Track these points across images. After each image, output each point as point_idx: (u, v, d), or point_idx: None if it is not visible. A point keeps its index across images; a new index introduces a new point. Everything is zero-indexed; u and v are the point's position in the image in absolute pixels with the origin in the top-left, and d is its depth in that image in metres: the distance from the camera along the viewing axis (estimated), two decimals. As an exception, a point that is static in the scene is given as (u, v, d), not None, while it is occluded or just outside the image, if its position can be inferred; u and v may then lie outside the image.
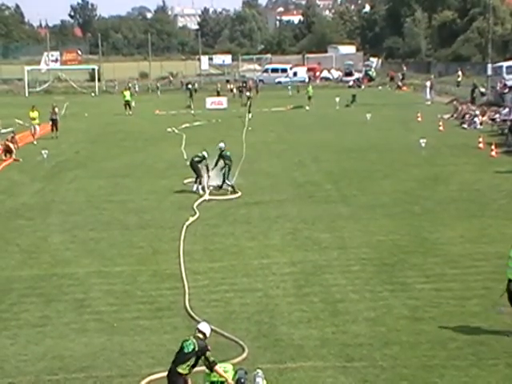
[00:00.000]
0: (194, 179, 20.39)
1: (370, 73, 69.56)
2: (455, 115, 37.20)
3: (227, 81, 67.22)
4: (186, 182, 21.36)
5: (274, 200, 19.18)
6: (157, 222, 17.11)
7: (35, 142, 31.30)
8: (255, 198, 19.46)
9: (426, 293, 11.80)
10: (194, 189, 20.03)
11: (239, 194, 19.66)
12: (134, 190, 21.08)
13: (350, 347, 9.89)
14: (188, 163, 21.12)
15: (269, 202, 18.94)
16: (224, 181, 20.14)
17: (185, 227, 16.20)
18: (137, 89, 63.28)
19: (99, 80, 67.63)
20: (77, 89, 67.26)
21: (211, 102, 48.36)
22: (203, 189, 19.93)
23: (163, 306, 11.69)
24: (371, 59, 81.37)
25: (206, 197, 19.32)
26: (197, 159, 20.21)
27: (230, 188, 19.97)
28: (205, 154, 20.24)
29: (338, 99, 45.78)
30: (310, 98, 47.00)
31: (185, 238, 15.41)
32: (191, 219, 16.94)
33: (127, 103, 44.77)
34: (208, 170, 20.00)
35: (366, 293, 11.95)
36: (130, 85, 59.39)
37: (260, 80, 67.05)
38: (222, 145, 20.59)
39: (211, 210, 18.18)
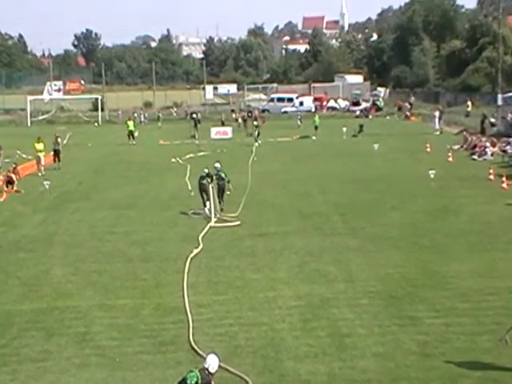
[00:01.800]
0: (203, 204, 21.28)
1: (378, 102, 70.04)
2: (465, 146, 37.38)
3: (232, 110, 67.82)
4: (190, 212, 21.59)
5: (280, 232, 19.25)
6: (160, 253, 17.19)
7: (40, 174, 31.38)
8: (260, 230, 19.55)
9: (436, 328, 11.75)
10: (207, 211, 20.69)
11: (239, 222, 20.14)
12: (137, 222, 21.21)
13: (358, 383, 9.83)
14: (196, 188, 22.04)
15: (274, 234, 19.00)
16: (220, 202, 21.06)
17: (189, 259, 16.28)
18: (142, 118, 63.90)
19: (102, 109, 68.34)
20: (80, 118, 67.92)
21: (216, 132, 49.18)
22: (210, 212, 20.57)
23: (167, 340, 11.67)
24: (379, 89, 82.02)
25: (212, 223, 19.84)
26: (204, 182, 21.11)
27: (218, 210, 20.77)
28: (206, 170, 21.41)
29: (344, 129, 46.22)
30: (316, 127, 47.43)
31: (189, 271, 15.46)
32: (195, 251, 17.02)
33: (131, 133, 45.48)
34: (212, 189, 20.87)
35: (374, 327, 11.90)
36: (135, 114, 60.14)
37: (266, 110, 67.65)
38: (217, 165, 21.66)
39: (215, 242, 18.26)
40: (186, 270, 15.45)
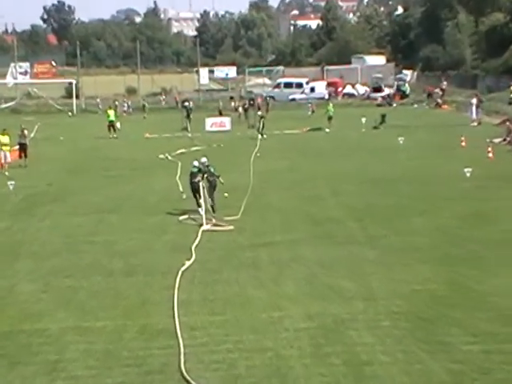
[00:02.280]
0: (197, 205, 21.94)
1: (403, 88, 70.13)
2: (508, 139, 37.35)
3: (231, 98, 68.05)
4: (181, 218, 21.80)
5: (286, 240, 19.31)
6: (147, 266, 17.22)
7: (7, 173, 31.45)
8: (264, 238, 19.59)
9: (473, 355, 11.69)
10: (202, 213, 21.31)
11: (231, 227, 20.63)
12: (119, 229, 21.27)
13: (379, 420, 9.84)
14: (188, 189, 22.66)
15: (280, 243, 19.06)
16: (212, 201, 21.98)
17: (180, 273, 16.31)
18: (125, 108, 64.10)
19: (77, 97, 68.53)
20: (51, 106, 68.01)
21: (212, 124, 49.54)
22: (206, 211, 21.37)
23: (154, 368, 11.61)
24: (404, 72, 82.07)
25: (205, 227, 20.34)
26: (196, 180, 21.78)
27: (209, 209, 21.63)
28: (196, 163, 22.26)
29: (364, 120, 46.33)
30: (330, 118, 47.53)
31: (180, 286, 15.45)
32: (187, 263, 17.08)
33: (111, 124, 45.63)
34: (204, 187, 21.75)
35: (398, 354, 11.86)
36: (117, 103, 60.31)
37: (270, 97, 67.77)
38: (204, 160, 22.49)
39: (211, 252, 18.34)
40: (177, 286, 15.42)
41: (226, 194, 23.40)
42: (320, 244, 18.86)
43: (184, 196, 24.03)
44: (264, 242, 19.24)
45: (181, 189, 25.79)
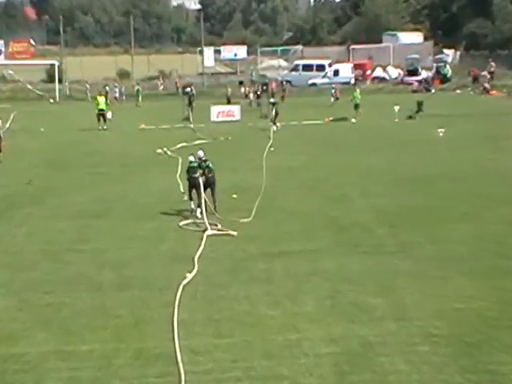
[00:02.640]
0: (192, 205, 22.65)
1: (444, 71, 69.78)
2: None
3: (241, 83, 67.96)
4: (182, 224, 21.83)
5: (306, 250, 19.17)
6: (142, 279, 17.11)
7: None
8: (279, 247, 19.48)
9: (526, 386, 11.52)
10: (199, 214, 22.00)
11: (235, 232, 20.73)
12: (109, 236, 21.19)
13: None
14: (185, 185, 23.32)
15: (298, 253, 18.91)
16: (214, 201, 22.66)
17: (181, 288, 16.20)
18: (117, 94, 63.99)
19: (61, 81, 68.39)
20: (30, 92, 67.95)
21: (218, 113, 49.69)
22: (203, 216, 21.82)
23: (149, 399, 11.49)
24: (445, 51, 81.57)
25: (209, 232, 20.62)
26: (196, 175, 22.50)
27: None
28: (192, 159, 22.85)
29: (397, 108, 46.07)
30: (356, 106, 47.42)
31: (180, 303, 15.30)
32: (189, 276, 16.97)
33: (101, 114, 45.57)
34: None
35: (438, 384, 11.73)
36: (107, 88, 60.27)
37: (287, 81, 67.66)
38: (201, 153, 23.16)
39: (217, 264, 18.21)
40: (177, 303, 15.29)
41: (234, 196, 23.35)
42: (344, 254, 18.69)
43: (185, 197, 23.93)
44: (279, 252, 19.07)
45: (181, 189, 25.78)
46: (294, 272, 17.41)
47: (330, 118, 47.69)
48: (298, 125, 45.42)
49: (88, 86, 66.80)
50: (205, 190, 22.49)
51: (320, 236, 20.58)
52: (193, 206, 22.60)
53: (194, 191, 22.77)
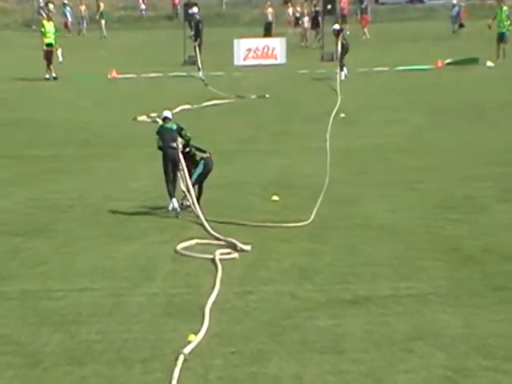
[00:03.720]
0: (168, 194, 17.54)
1: None
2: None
3: (286, 1, 53.17)
4: (180, 247, 15.59)
5: (403, 294, 12.85)
6: (111, 346, 11.58)
7: None
8: (354, 288, 13.36)
9: None
10: (171, 207, 17.27)
11: (246, 247, 15.21)
12: (54, 268, 14.85)
13: None
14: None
15: (389, 300, 12.81)
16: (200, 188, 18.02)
17: (180, 360, 10.98)
18: (69, 17, 52.37)
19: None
20: None
21: (248, 51, 39.33)
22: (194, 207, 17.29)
23: None
24: None
25: (219, 253, 15.36)
26: (173, 144, 17.33)
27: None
28: (169, 113, 18.00)
29: None
30: (502, 37, 35.67)
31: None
32: (195, 340, 11.51)
33: (49, 50, 34.87)
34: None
35: None
36: (51, 6, 47.45)
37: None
38: (167, 113, 18.14)
39: (244, 318, 12.44)
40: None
41: (275, 198, 17.70)
42: (473, 305, 12.59)
43: (188, 202, 17.82)
44: (354, 297, 13.09)
45: (181, 186, 18.52)
46: (383, 334, 11.64)
47: (447, 61, 36.66)
48: (387, 72, 35.77)
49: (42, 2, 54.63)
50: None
51: (427, 271, 14.16)
52: (175, 203, 17.11)
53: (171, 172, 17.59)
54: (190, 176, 17.60)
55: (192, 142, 17.93)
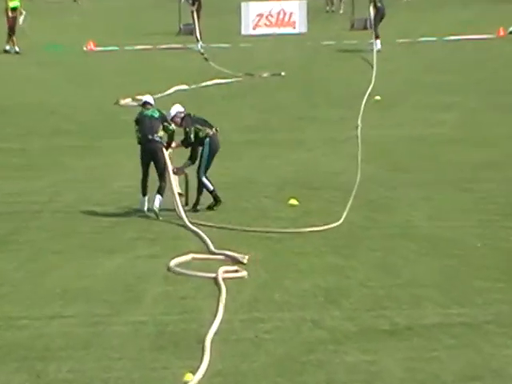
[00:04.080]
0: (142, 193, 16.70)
1: None
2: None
3: None
4: (174, 263, 14.02)
5: (455, 323, 11.47)
6: None
7: None
8: (393, 315, 11.83)
9: None
10: (145, 207, 16.19)
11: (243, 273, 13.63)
12: (21, 288, 13.23)
13: None
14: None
15: (437, 329, 11.27)
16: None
17: None
18: None
19: None
20: None
21: (259, 18, 36.31)
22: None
23: None
24: None
25: (222, 271, 14.17)
26: (156, 137, 16.18)
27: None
28: (150, 98, 17.17)
29: None
30: None
31: None
32: (191, 383, 10.31)
33: (14, 16, 31.92)
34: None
35: None
36: None
37: None
38: (147, 97, 17.42)
39: (250, 350, 11.10)
40: None
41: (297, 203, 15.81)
42: None
43: (187, 207, 16.45)
44: (393, 326, 11.54)
45: (176, 187, 17.03)
46: (430, 373, 10.28)
47: (511, 29, 34.11)
48: (434, 43, 33.28)
49: None
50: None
51: (485, 293, 12.57)
52: (157, 204, 15.76)
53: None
54: (200, 159, 16.23)
55: (193, 115, 16.53)
